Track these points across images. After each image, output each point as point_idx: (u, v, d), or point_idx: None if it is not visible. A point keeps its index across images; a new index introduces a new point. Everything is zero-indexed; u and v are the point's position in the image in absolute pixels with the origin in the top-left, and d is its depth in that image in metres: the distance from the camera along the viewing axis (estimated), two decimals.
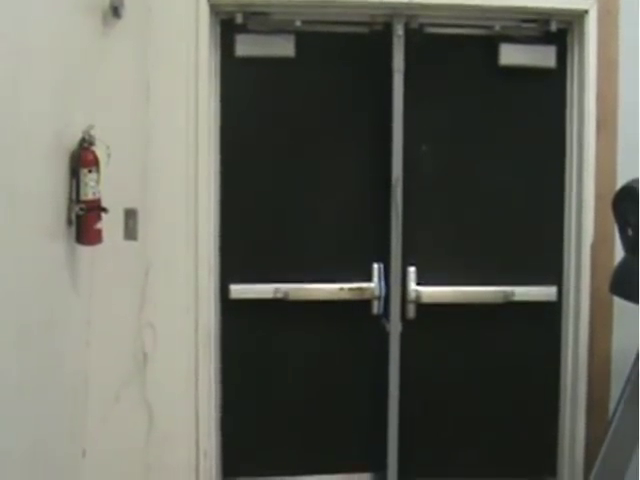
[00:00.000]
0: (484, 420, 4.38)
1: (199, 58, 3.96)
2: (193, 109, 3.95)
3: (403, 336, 4.22)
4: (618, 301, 4.00)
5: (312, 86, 4.22)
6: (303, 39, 4.14)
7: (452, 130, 4.29)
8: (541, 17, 4.18)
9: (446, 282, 4.25)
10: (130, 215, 3.91)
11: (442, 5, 4.07)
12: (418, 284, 4.23)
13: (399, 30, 4.12)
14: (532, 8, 4.11)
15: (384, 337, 4.23)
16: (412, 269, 4.23)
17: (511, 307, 4.27)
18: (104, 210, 3.47)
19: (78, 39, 3.48)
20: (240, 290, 4.19)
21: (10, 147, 2.70)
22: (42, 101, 3.05)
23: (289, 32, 4.12)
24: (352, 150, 4.26)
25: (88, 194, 3.38)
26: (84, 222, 3.40)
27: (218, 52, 4.13)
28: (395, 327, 4.21)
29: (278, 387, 4.30)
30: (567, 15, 4.17)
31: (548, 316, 4.34)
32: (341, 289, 4.20)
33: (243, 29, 4.10)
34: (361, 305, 4.22)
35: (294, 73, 4.19)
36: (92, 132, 3.42)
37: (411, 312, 4.23)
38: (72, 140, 3.37)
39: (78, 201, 3.37)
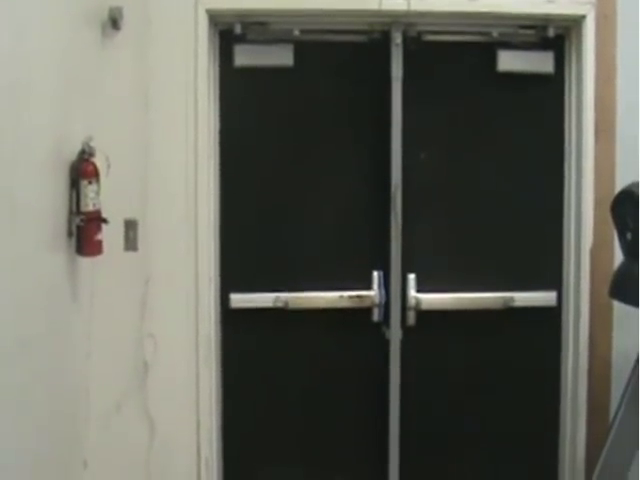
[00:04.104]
0: (485, 424, 4.38)
1: (198, 68, 3.97)
2: (192, 119, 3.96)
3: (403, 343, 4.23)
4: (618, 305, 4.00)
5: (311, 95, 4.22)
6: (302, 48, 4.14)
7: (451, 137, 4.29)
8: (539, 23, 4.18)
9: (446, 289, 4.24)
10: (130, 226, 3.91)
11: (440, 13, 4.07)
12: (418, 291, 4.23)
13: (397, 38, 4.12)
14: (529, 14, 4.12)
15: (384, 344, 4.23)
16: (412, 276, 4.23)
17: (511, 313, 4.27)
18: (104, 221, 3.47)
19: (77, 51, 3.49)
20: (240, 299, 4.19)
21: (10, 159, 2.70)
22: (42, 113, 3.05)
23: (288, 41, 4.12)
24: (351, 158, 4.26)
25: (88, 205, 3.38)
26: (84, 233, 3.40)
27: (217, 62, 4.13)
28: (395, 334, 4.21)
29: (279, 395, 4.30)
30: (565, 21, 4.17)
31: (548, 321, 4.34)
32: (341, 297, 4.20)
33: (242, 39, 4.10)
34: (361, 313, 4.22)
35: (293, 82, 4.19)
36: (92, 143, 3.43)
37: (411, 319, 4.23)
38: (72, 151, 3.38)
39: (78, 212, 3.38)
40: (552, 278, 4.33)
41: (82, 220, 3.38)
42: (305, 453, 4.34)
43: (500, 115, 4.29)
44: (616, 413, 3.72)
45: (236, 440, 4.29)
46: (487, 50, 4.22)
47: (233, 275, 4.21)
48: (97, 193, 3.42)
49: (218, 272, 4.18)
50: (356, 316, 4.22)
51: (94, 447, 3.87)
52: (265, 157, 4.22)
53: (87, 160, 3.41)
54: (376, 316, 4.22)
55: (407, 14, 4.05)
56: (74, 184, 3.38)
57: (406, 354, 4.24)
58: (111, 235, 3.64)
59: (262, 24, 4.10)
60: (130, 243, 3.92)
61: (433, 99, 4.25)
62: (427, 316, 4.24)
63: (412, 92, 4.16)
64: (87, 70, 3.65)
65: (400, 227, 4.16)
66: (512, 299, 4.26)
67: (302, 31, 4.10)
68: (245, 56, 4.11)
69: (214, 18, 4.04)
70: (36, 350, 3.00)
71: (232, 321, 4.22)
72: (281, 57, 4.12)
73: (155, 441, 4.04)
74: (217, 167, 4.15)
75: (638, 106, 4.08)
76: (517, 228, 4.32)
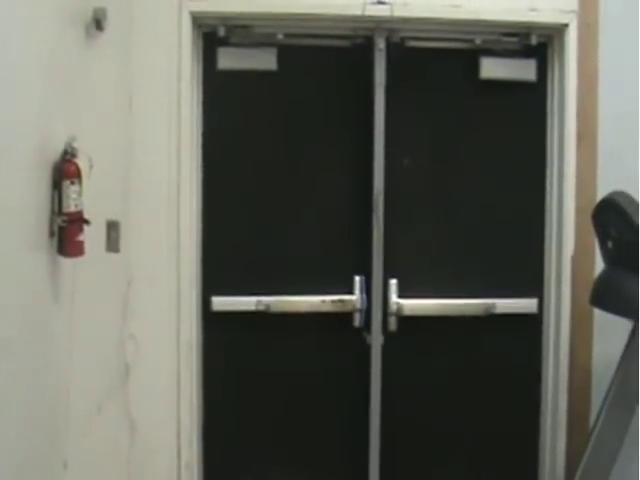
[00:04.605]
0: (465, 433, 4.39)
1: (181, 71, 3.98)
2: (175, 122, 3.97)
3: (384, 348, 4.23)
4: (598, 313, 4.03)
5: (294, 99, 4.24)
6: (285, 52, 4.16)
7: (433, 144, 4.31)
8: (521, 31, 4.21)
9: (427, 295, 4.26)
10: (112, 227, 3.89)
11: (423, 19, 4.10)
12: (399, 297, 4.24)
13: (380, 44, 4.13)
14: (512, 22, 4.15)
15: (365, 349, 4.24)
16: (393, 281, 4.24)
17: (492, 319, 4.29)
18: (86, 222, 3.44)
19: (61, 51, 3.46)
20: (222, 302, 4.19)
21: None
22: (25, 113, 3.03)
23: (271, 45, 4.14)
24: (334, 163, 4.28)
25: (70, 206, 3.35)
26: (66, 234, 3.37)
27: (200, 65, 4.15)
28: (376, 340, 4.22)
29: (260, 399, 4.30)
30: (547, 29, 4.20)
31: (529, 328, 4.36)
32: (322, 301, 4.21)
33: (225, 42, 4.12)
34: (342, 317, 4.22)
35: (276, 86, 4.20)
36: (74, 144, 3.41)
37: (392, 325, 4.24)
38: (54, 152, 3.35)
39: (60, 213, 3.35)
40: (533, 285, 4.36)
41: (64, 221, 3.34)
42: (286, 457, 4.33)
43: (482, 122, 4.32)
44: (597, 419, 3.72)
45: (217, 443, 4.29)
46: (470, 57, 4.25)
47: (215, 278, 4.21)
48: (79, 194, 3.39)
49: (200, 275, 4.19)
50: (338, 321, 4.23)
51: (75, 448, 3.83)
52: (248, 161, 4.23)
53: (69, 161, 3.37)
54: (357, 321, 4.23)
55: (390, 20, 4.07)
56: (56, 185, 3.36)
57: (387, 360, 4.24)
58: (93, 236, 3.61)
59: (246, 27, 4.11)
60: (112, 244, 3.90)
61: (416, 105, 4.28)
62: (409, 322, 4.25)
63: (395, 98, 4.17)
64: (70, 70, 3.62)
65: (382, 232, 4.17)
66: (494, 306, 4.28)
67: (286, 35, 4.12)
68: (229, 59, 4.13)
69: (198, 20, 4.05)
70: (16, 351, 2.98)
71: (214, 324, 4.23)
72: (265, 61, 4.14)
73: (136, 443, 4.03)
74: (199, 169, 4.16)
75: (620, 115, 4.10)
76: (499, 235, 4.34)
